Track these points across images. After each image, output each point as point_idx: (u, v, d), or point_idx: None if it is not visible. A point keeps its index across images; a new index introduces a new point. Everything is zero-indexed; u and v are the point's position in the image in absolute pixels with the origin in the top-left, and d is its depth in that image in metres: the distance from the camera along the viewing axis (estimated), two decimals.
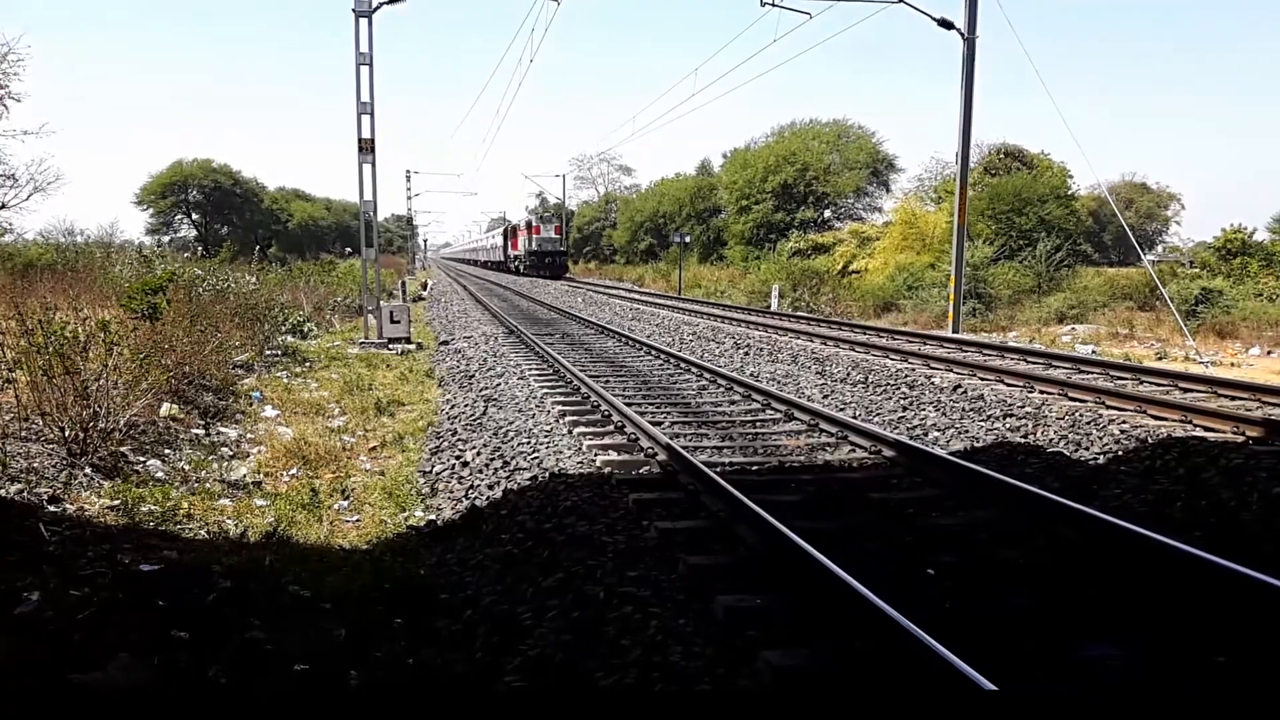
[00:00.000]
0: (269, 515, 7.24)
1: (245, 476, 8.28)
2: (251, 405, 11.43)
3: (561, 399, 11.08)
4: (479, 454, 8.60)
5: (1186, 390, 10.73)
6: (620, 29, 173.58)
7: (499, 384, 12.58)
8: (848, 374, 12.89)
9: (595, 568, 5.38)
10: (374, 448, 9.69)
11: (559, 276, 51.07)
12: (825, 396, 11.56)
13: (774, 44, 49.42)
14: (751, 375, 13.26)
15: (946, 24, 18.43)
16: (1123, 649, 4.19)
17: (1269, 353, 20.95)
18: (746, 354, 15.81)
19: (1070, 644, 4.26)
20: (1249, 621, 4.40)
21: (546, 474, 7.58)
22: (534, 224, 54.59)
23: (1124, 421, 8.89)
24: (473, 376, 13.59)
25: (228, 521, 7.10)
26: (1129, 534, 5.45)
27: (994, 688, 3.48)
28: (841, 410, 10.52)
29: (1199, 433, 8.40)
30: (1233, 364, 18.49)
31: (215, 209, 75.82)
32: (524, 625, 4.84)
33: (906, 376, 12.11)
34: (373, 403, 11.85)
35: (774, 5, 19.29)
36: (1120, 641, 4.27)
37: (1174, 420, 8.90)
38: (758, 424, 9.84)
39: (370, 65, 18.76)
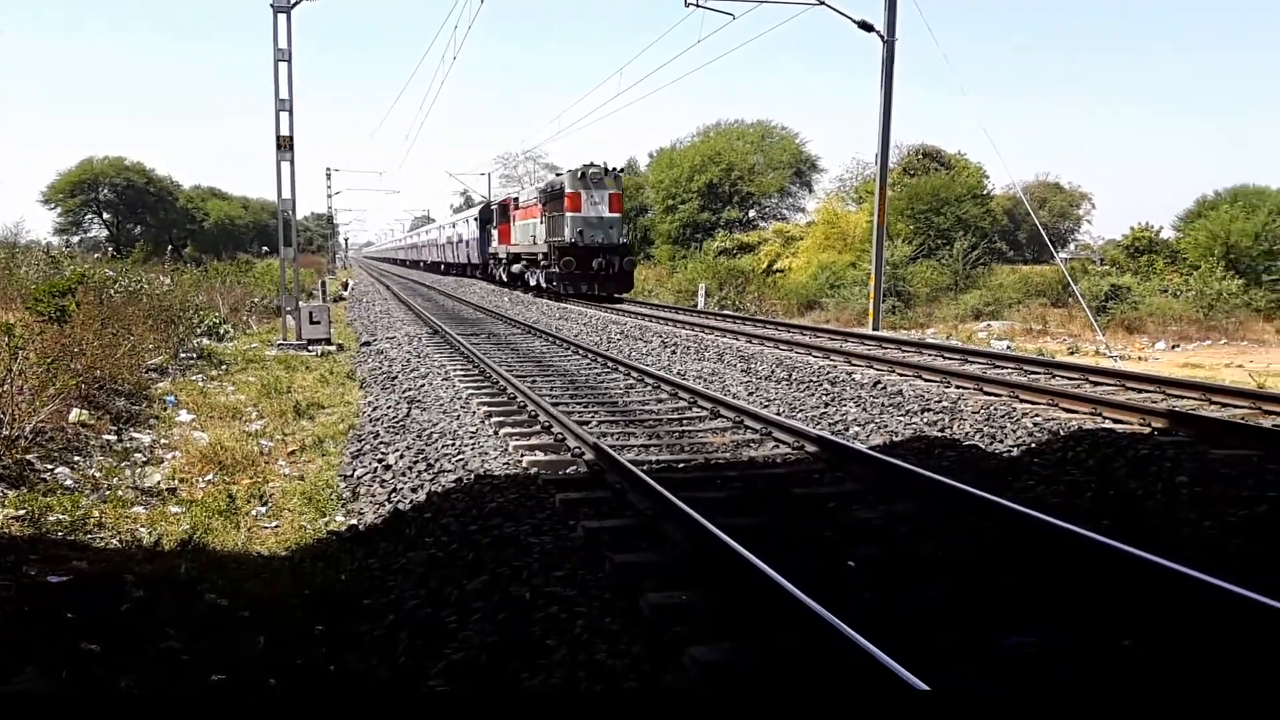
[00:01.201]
0: (184, 522, 7.05)
1: (159, 483, 8.05)
2: (166, 410, 11.10)
3: (487, 399, 10.99)
4: (402, 457, 8.48)
5: (1096, 384, 11.10)
6: (545, 28, 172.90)
7: (423, 385, 12.43)
8: (772, 371, 13.04)
9: (521, 569, 5.36)
10: (293, 452, 9.49)
11: (617, 295, 27.72)
12: (751, 394, 11.68)
13: (698, 44, 48.60)
14: (679, 373, 13.33)
15: (866, 26, 18.76)
16: (1035, 636, 4.32)
17: (1174, 346, 21.80)
18: (674, 352, 15.88)
19: (986, 634, 4.37)
20: (1152, 606, 4.57)
21: (472, 476, 7.51)
22: (566, 190, 27.05)
23: (1037, 415, 9.17)
24: (395, 378, 13.40)
25: (141, 530, 6.89)
26: (1041, 524, 5.61)
27: (920, 683, 3.54)
28: (766, 407, 10.64)
29: (1108, 425, 8.70)
30: (1140, 358, 19.20)
31: (128, 208, 73.31)
32: (449, 629, 4.79)
33: (829, 373, 12.30)
34: (292, 406, 11.60)
35: (697, 6, 19.40)
36: (1033, 629, 4.40)
37: (1084, 413, 9.21)
38: (684, 422, 9.89)
39: (289, 61, 18.35)
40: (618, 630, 4.45)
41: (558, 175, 29.28)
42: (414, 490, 7.43)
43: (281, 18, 18.16)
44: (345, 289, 43.00)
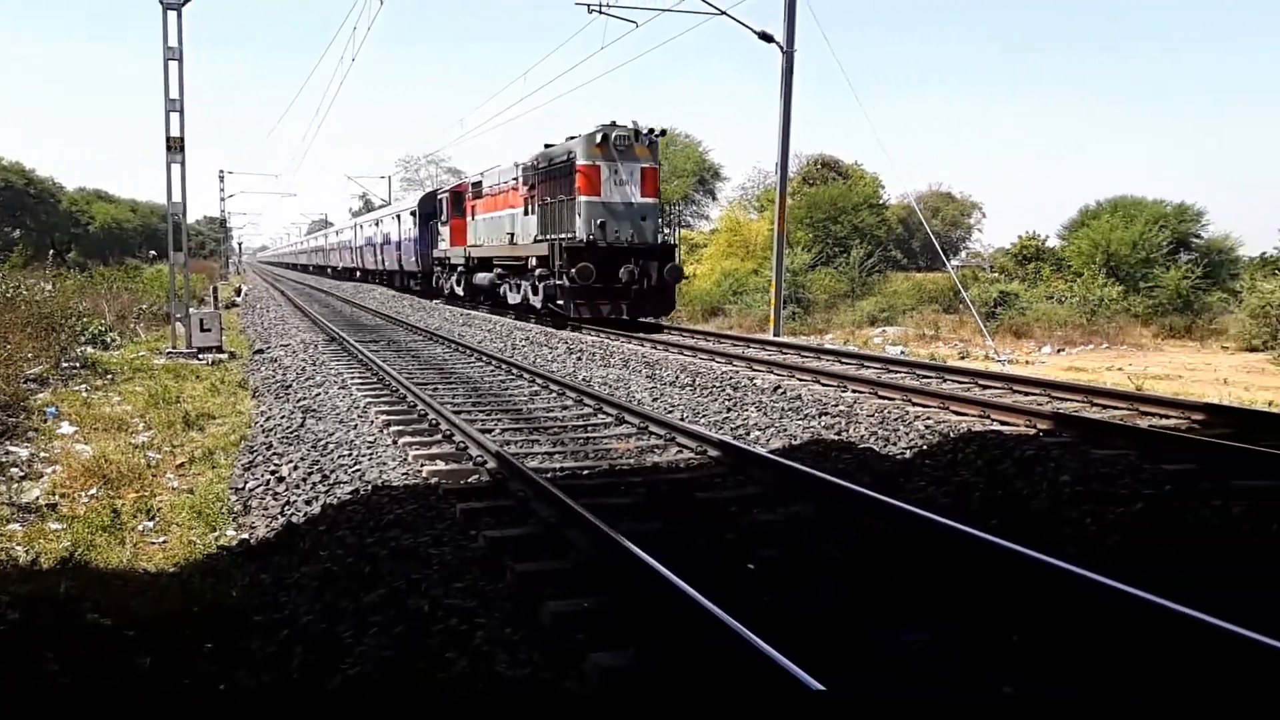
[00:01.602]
0: (65, 539, 6.74)
1: (38, 499, 7.67)
2: (46, 422, 10.59)
3: (386, 408, 10.80)
4: (296, 468, 8.27)
5: (986, 387, 11.50)
6: (448, 31, 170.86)
7: (319, 394, 12.14)
8: (676, 377, 13.14)
9: (420, 581, 5.28)
10: (182, 464, 9.16)
11: (653, 316, 20.51)
12: (655, 399, 11.74)
13: (601, 51, 48.42)
14: (584, 380, 13.31)
15: (766, 37, 19.09)
16: (927, 633, 4.44)
17: (1059, 351, 22.75)
18: (579, 359, 15.86)
19: (879, 632, 4.48)
20: (1036, 601, 4.75)
21: (369, 487, 7.37)
22: (578, 163, 19.28)
23: (929, 417, 9.45)
24: (290, 386, 13.06)
25: (17, 548, 6.56)
26: (931, 524, 5.79)
27: (815, 683, 3.61)
28: (670, 412, 10.71)
29: (996, 426, 9.02)
30: (1027, 362, 19.96)
31: (5, 210, 69.73)
32: (344, 643, 4.69)
33: (731, 379, 12.45)
34: (180, 416, 11.20)
35: (601, 12, 19.47)
36: (925, 626, 4.52)
37: (974, 415, 9.53)
38: (589, 428, 9.89)
39: (180, 60, 17.75)
40: (518, 640, 4.42)
41: (568, 140, 19.90)
42: (308, 503, 7.25)
43: (171, 15, 17.54)
44: (239, 295, 41.66)
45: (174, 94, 17.74)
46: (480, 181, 26.00)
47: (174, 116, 17.82)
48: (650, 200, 19.60)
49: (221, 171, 65.43)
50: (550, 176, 20.62)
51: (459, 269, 27.89)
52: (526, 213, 21.92)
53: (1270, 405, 12.06)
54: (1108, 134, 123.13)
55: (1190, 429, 9.08)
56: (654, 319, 20.31)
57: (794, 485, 7.08)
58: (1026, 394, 11.01)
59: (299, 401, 11.76)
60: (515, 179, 22.77)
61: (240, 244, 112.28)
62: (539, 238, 20.93)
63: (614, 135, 19.09)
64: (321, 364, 15.11)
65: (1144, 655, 4.16)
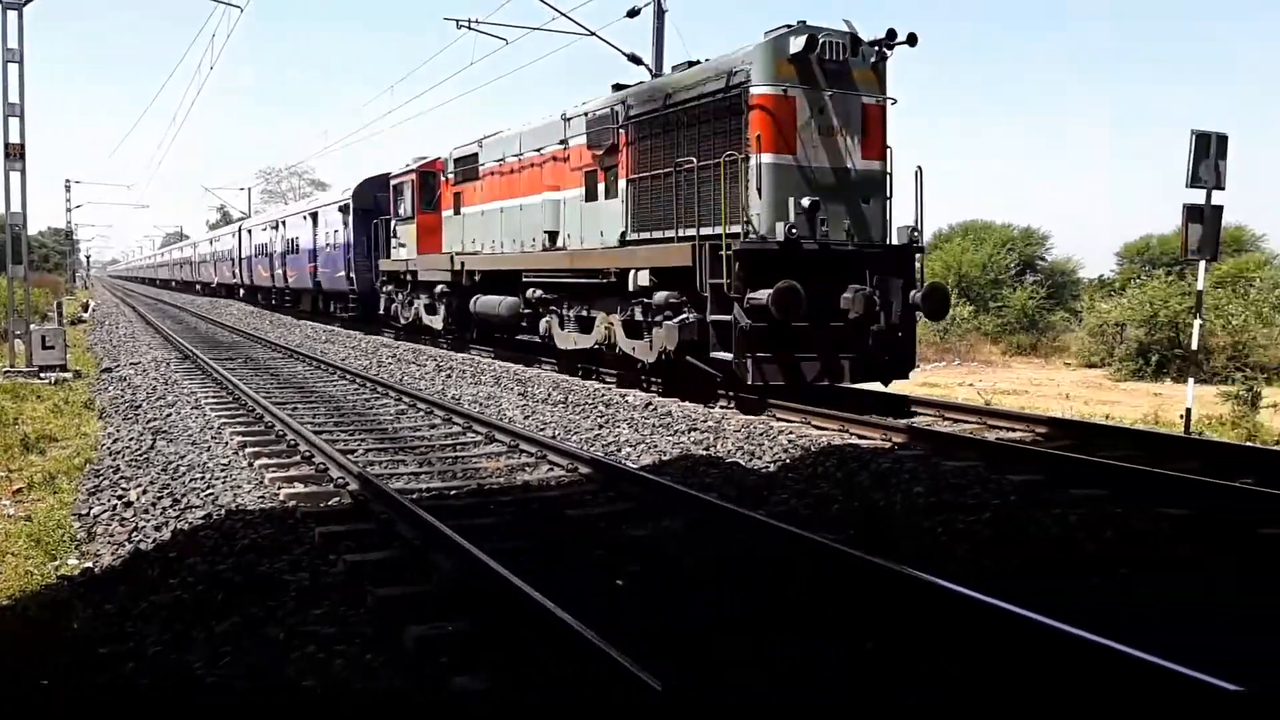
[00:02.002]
0: None
1: None
2: None
3: (242, 429, 10.41)
4: (145, 493, 7.87)
5: (847, 402, 11.87)
6: (313, 42, 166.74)
7: (170, 414, 11.60)
8: (549, 394, 13.10)
9: (276, 608, 5.09)
10: (19, 490, 8.59)
11: (890, 379, 11.61)
12: (527, 417, 11.67)
13: (471, 66, 48.13)
14: (453, 398, 13.12)
15: (635, 59, 19.27)
16: (784, 642, 4.56)
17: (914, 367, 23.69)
18: (449, 376, 15.64)
19: (741, 643, 4.57)
20: (887, 607, 4.93)
21: (223, 511, 7.07)
22: (753, 91, 10.67)
23: (791, 432, 9.71)
24: (139, 407, 12.43)
25: None
26: (791, 535, 5.95)
27: (657, 686, 3.66)
28: (542, 430, 10.66)
29: (855, 440, 9.34)
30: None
31: None
32: (195, 675, 4.48)
33: (603, 395, 12.50)
34: (19, 439, 10.50)
35: (470, 28, 19.34)
36: (783, 637, 4.63)
37: (834, 430, 9.84)
38: (458, 447, 9.75)
39: (20, 63, 16.77)
40: (379, 666, 4.31)
41: (719, 59, 11.84)
42: (158, 529, 6.90)
43: (11, 15, 16.57)
44: (86, 310, 39.45)
45: (14, 98, 16.77)
46: (473, 155, 17.85)
47: (14, 122, 16.83)
48: (878, 165, 11.54)
49: (68, 181, 61.86)
50: (669, 126, 12.33)
51: (437, 288, 19.24)
52: (594, 195, 13.75)
53: (1108, 418, 12.86)
54: (963, 160, 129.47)
55: (1034, 441, 9.59)
56: (881, 383, 11.73)
57: (662, 500, 7.16)
58: (883, 409, 11.42)
59: (149, 423, 11.21)
60: (561, 141, 14.62)
61: (89, 257, 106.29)
62: (636, 235, 12.89)
63: (822, 41, 10.79)
64: (174, 383, 14.47)
65: (991, 658, 4.36)
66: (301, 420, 10.74)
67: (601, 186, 13.82)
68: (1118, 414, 13.71)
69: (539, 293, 15.28)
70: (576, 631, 4.25)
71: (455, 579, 5.43)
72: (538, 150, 15.68)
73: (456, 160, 19.15)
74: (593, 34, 19.37)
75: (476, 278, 17.70)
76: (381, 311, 23.44)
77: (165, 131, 58.99)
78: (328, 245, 27.71)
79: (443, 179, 19.88)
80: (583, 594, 5.25)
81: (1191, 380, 12.38)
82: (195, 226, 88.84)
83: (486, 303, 17.09)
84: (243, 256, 40.33)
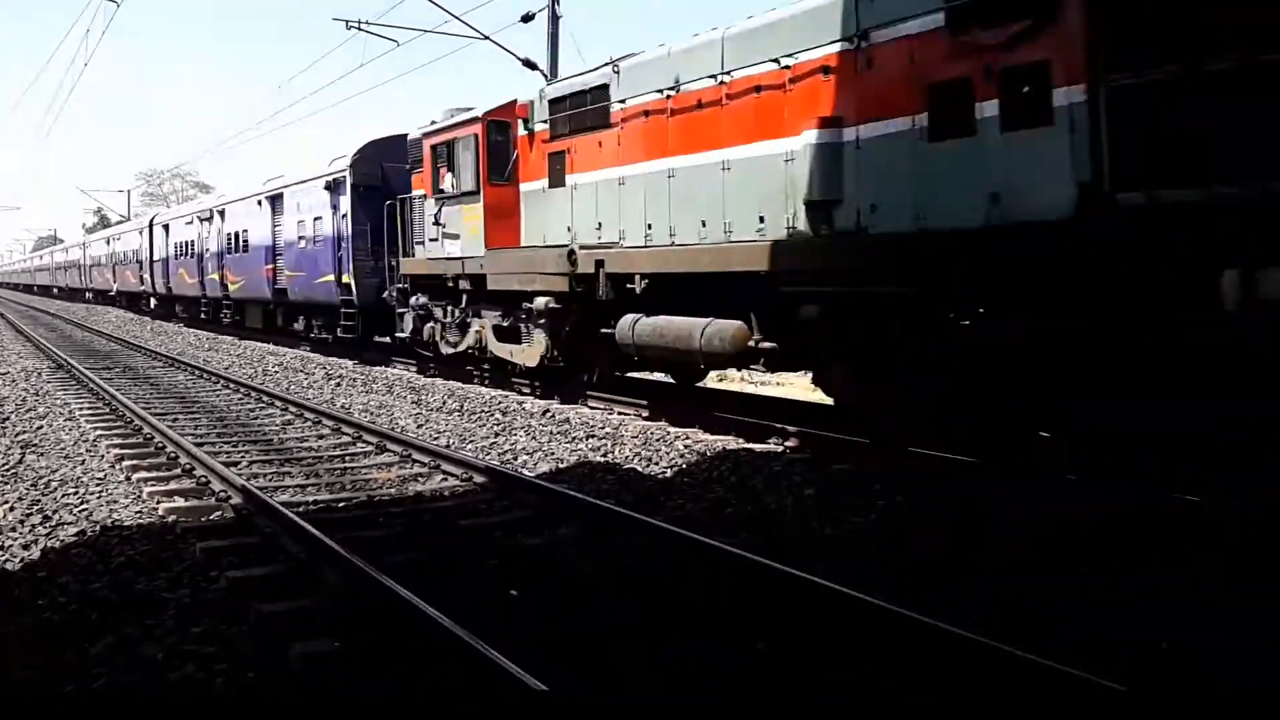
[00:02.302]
0: None
1: None
2: None
3: (119, 441, 9.97)
4: (12, 509, 7.46)
5: (741, 406, 12.04)
6: (196, 39, 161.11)
7: (41, 427, 11.05)
8: (444, 402, 12.93)
9: (154, 627, 4.90)
10: None
11: None
12: (420, 426, 11.48)
13: (361, 68, 46.94)
14: (343, 407, 12.82)
15: (530, 64, 19.20)
16: (679, 645, 4.60)
17: (807, 372, 24.16)
18: (339, 385, 15.28)
19: (636, 647, 4.59)
20: (777, 607, 5.02)
21: (98, 528, 6.77)
22: None
23: (688, 437, 9.80)
24: (7, 419, 11.79)
25: None
26: (686, 539, 6.01)
27: (541, 686, 3.70)
28: (436, 439, 10.50)
29: (749, 445, 9.47)
30: (778, 383, 21.11)
31: None
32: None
33: (500, 403, 12.40)
34: None
35: (360, 29, 18.99)
36: (676, 639, 4.68)
37: (729, 434, 9.97)
38: (347, 458, 9.53)
39: None
40: (261, 685, 4.19)
41: None
42: (26, 548, 6.55)
43: None
44: None
45: None
46: (597, 90, 11.66)
47: None
48: None
49: None
50: None
51: (537, 302, 12.46)
52: (965, 125, 7.39)
53: None
54: None
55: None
56: None
57: (559, 508, 7.14)
58: (777, 413, 11.61)
59: (18, 435, 10.65)
60: (853, 38, 8.32)
61: None
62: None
63: None
64: (45, 394, 13.79)
65: (874, 656, 4.48)
66: (182, 431, 10.34)
67: (988, 109, 7.21)
68: None
69: (814, 310, 8.64)
70: (465, 642, 4.22)
71: (343, 594, 5.31)
72: (776, 62, 9.05)
73: (557, 102, 12.44)
74: (487, 38, 19.24)
75: (637, 285, 10.77)
76: (403, 334, 16.26)
77: (36, 129, 55.84)
78: (301, 239, 20.49)
79: (522, 134, 13.21)
80: (477, 605, 5.20)
81: None
82: (70, 230, 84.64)
83: (655, 328, 10.41)
84: (155, 258, 32.81)
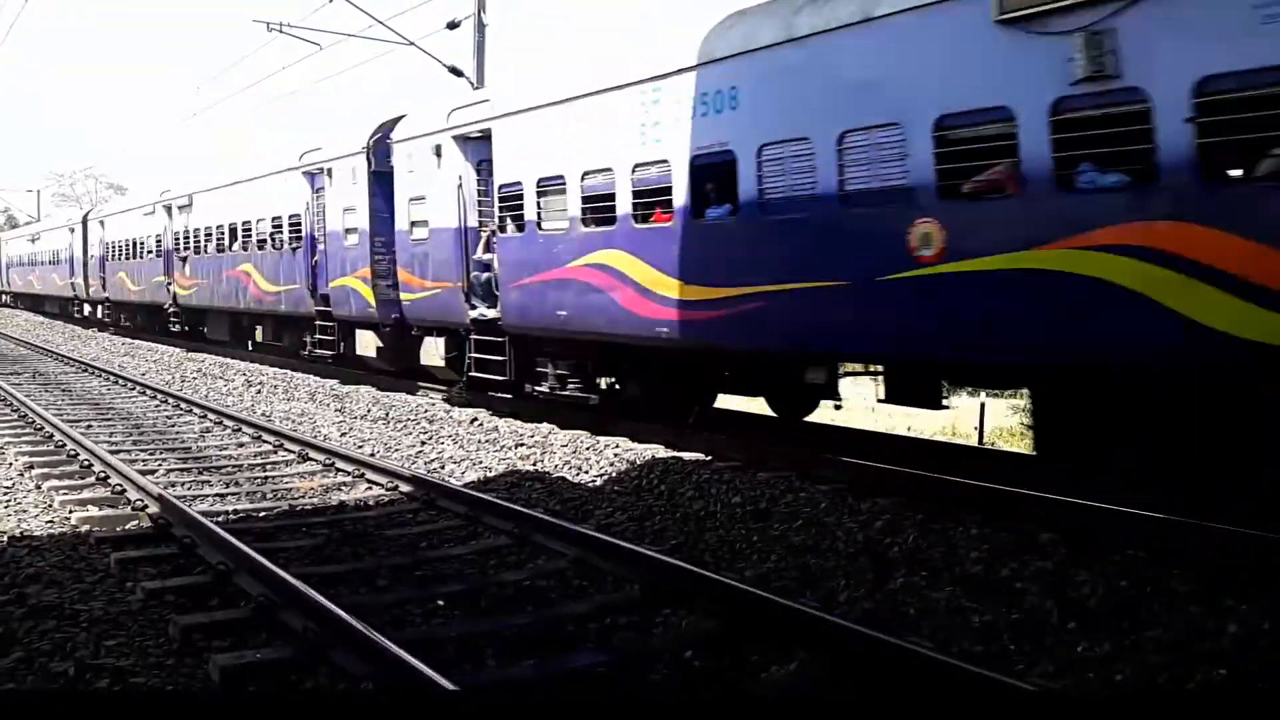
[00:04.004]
0: None
1: None
2: None
3: (29, 449, 9.63)
4: None
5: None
6: (109, 35, 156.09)
7: None
8: (368, 410, 12.74)
9: (65, 640, 4.76)
10: None
11: None
12: (344, 434, 11.30)
13: (284, 70, 45.96)
14: (263, 415, 12.56)
15: (456, 71, 19.04)
16: (606, 654, 4.62)
17: None
18: (259, 391, 14.96)
19: (557, 657, 4.61)
20: (713, 618, 5.07)
21: (5, 538, 6.55)
22: None
23: (618, 446, 9.81)
24: None
25: None
26: (613, 547, 6.03)
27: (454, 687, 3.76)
28: (360, 448, 10.35)
29: (679, 454, 9.52)
30: None
31: None
32: None
33: (426, 411, 12.27)
34: None
35: (281, 31, 18.68)
36: (598, 650, 4.71)
37: (659, 443, 10.00)
38: (268, 467, 9.34)
39: None
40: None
41: None
42: None
43: None
44: None
45: None
46: None
47: None
48: None
49: None
50: None
51: None
52: None
53: (909, 430, 13.67)
54: None
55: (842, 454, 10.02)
56: None
57: (486, 517, 7.10)
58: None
59: None
60: None
61: None
62: None
63: None
64: None
65: (796, 657, 4.56)
66: (96, 439, 10.03)
67: None
68: (918, 425, 14.57)
69: None
70: (387, 649, 4.19)
71: (263, 605, 5.21)
72: None
73: None
74: (412, 44, 19.05)
75: None
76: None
77: None
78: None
79: None
80: (400, 615, 5.17)
81: (984, 394, 13.34)
82: None
83: None
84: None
